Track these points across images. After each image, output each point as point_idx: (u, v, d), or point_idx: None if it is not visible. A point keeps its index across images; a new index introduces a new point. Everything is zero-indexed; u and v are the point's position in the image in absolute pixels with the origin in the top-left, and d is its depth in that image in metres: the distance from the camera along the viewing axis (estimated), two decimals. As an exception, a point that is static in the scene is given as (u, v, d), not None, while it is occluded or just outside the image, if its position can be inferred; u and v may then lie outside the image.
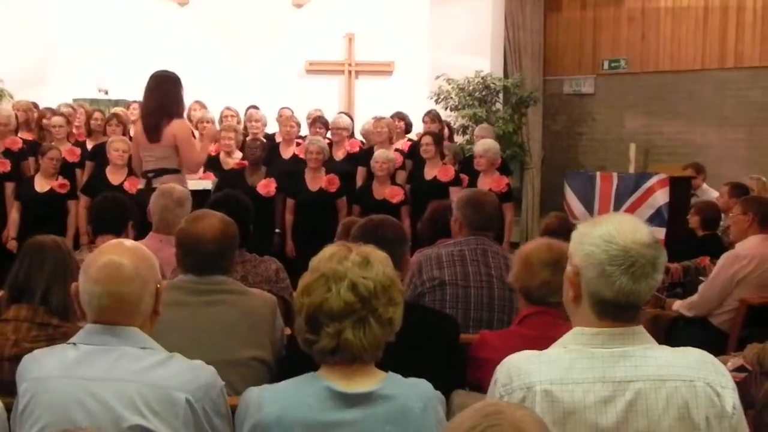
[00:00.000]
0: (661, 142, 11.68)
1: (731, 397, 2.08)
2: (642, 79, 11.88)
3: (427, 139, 8.04)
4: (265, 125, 9.05)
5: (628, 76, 12.00)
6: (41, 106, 9.46)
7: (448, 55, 11.75)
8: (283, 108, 9.74)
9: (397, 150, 8.52)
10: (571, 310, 2.23)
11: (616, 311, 2.12)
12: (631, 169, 9.12)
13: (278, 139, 8.91)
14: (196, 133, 8.09)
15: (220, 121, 9.25)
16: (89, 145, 8.60)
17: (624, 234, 2.10)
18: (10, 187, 7.89)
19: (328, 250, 2.31)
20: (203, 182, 7.56)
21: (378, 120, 8.68)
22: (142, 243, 4.00)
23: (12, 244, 7.58)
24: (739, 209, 5.66)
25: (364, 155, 8.37)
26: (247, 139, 8.43)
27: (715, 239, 6.63)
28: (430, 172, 7.92)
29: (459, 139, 10.93)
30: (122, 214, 4.65)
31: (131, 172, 7.52)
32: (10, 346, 2.96)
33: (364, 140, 9.25)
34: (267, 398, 2.22)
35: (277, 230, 7.90)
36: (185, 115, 7.06)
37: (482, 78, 11.42)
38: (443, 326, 3.29)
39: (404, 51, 12.02)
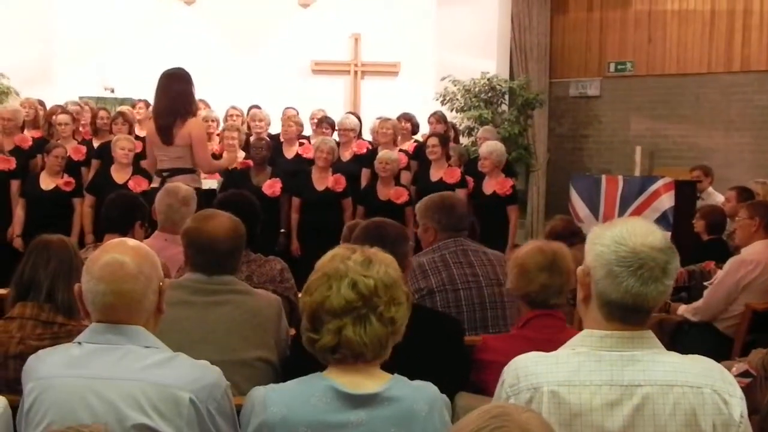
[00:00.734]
0: (666, 146, 11.66)
1: (739, 406, 2.08)
2: (648, 82, 11.87)
3: (434, 140, 8.03)
4: (268, 125, 9.04)
5: (635, 78, 11.99)
6: (47, 104, 9.47)
7: (454, 56, 11.75)
8: (287, 107, 9.74)
9: (402, 151, 8.51)
10: (582, 311, 2.23)
11: (623, 313, 2.11)
12: (637, 172, 9.12)
13: (281, 138, 8.90)
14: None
15: (225, 120, 9.24)
16: (95, 144, 8.60)
17: (635, 236, 2.09)
18: (15, 184, 7.88)
19: (332, 252, 2.33)
20: (208, 181, 7.56)
21: (383, 121, 8.68)
22: (147, 242, 4.03)
23: (17, 242, 7.59)
24: (746, 214, 5.65)
25: (369, 156, 8.36)
26: (252, 138, 8.43)
27: (721, 244, 6.62)
28: (435, 174, 7.91)
29: (464, 140, 10.92)
30: (129, 213, 4.63)
31: (136, 171, 7.53)
32: (15, 343, 2.95)
33: (371, 140, 9.22)
34: (272, 398, 2.22)
35: (282, 230, 7.90)
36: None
37: (488, 79, 11.42)
38: (447, 327, 3.29)
39: (410, 52, 12.03)
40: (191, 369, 2.35)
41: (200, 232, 3.23)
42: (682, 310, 5.60)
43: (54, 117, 8.67)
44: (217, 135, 8.71)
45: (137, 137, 8.35)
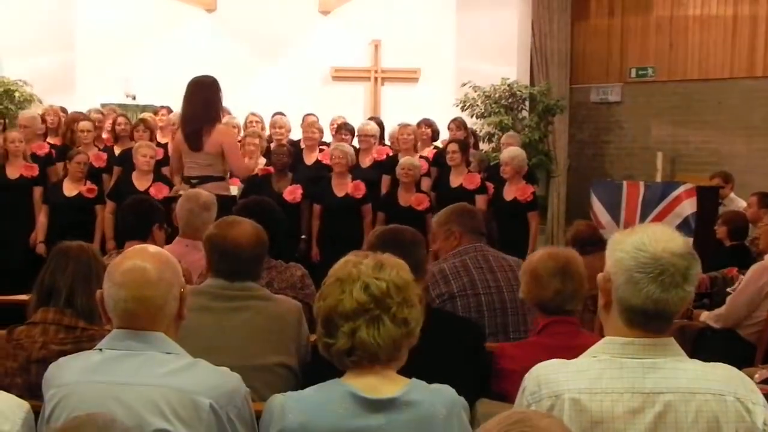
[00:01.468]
0: (688, 151, 11.58)
1: (762, 414, 2.06)
2: (669, 87, 11.79)
3: (454, 146, 8.03)
4: (289, 131, 9.08)
5: (656, 84, 11.92)
6: (69, 111, 9.53)
7: (474, 62, 11.74)
8: (307, 114, 9.76)
9: (422, 157, 8.51)
10: (604, 318, 2.21)
11: (644, 320, 2.10)
12: (658, 178, 9.08)
13: (302, 145, 8.92)
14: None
15: (245, 126, 9.28)
16: (117, 151, 8.65)
17: (656, 242, 2.08)
18: (38, 191, 7.94)
19: (344, 258, 2.35)
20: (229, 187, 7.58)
21: (403, 127, 8.69)
22: (168, 248, 4.05)
23: (40, 248, 7.64)
24: (768, 219, 5.61)
25: (389, 163, 8.36)
26: (272, 145, 8.46)
27: (743, 249, 6.58)
28: (455, 180, 7.91)
29: (484, 146, 10.90)
30: (145, 218, 4.62)
31: (157, 178, 7.57)
32: (38, 348, 2.97)
33: (391, 146, 9.22)
34: (291, 405, 2.22)
35: (303, 236, 7.91)
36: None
37: (508, 85, 11.40)
38: (468, 332, 3.30)
39: (430, 58, 12.02)
40: (212, 375, 2.36)
41: (224, 239, 3.26)
42: (705, 316, 5.57)
43: (76, 124, 8.73)
44: (239, 141, 8.74)
45: (159, 144, 8.40)
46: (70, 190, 7.81)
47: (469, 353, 3.16)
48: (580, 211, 9.93)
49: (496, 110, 11.27)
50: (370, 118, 9.73)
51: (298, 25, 12.15)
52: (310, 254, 7.76)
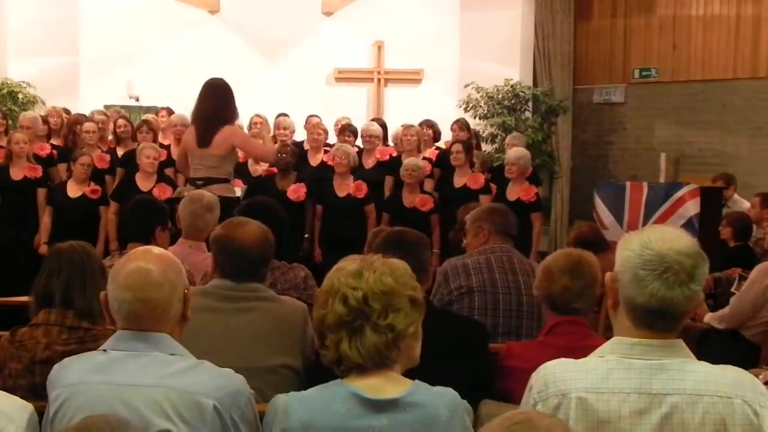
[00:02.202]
0: (692, 152, 11.56)
1: None
2: (673, 88, 11.77)
3: (458, 146, 8.03)
4: (293, 132, 9.08)
5: (659, 85, 11.90)
6: (73, 113, 9.54)
7: (477, 63, 11.73)
8: (311, 115, 9.76)
9: (425, 158, 8.51)
10: (612, 318, 2.22)
11: (650, 319, 2.10)
12: (662, 179, 9.06)
13: (306, 146, 8.93)
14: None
15: (249, 127, 9.28)
16: (119, 152, 8.66)
17: (662, 241, 2.08)
18: (42, 192, 7.94)
19: (337, 264, 2.35)
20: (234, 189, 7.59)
21: (407, 128, 8.69)
22: (171, 249, 4.05)
23: (44, 249, 7.63)
24: (772, 220, 5.61)
25: (392, 164, 8.36)
26: (276, 146, 8.46)
27: (747, 250, 6.58)
28: (459, 180, 7.90)
29: (487, 147, 10.89)
30: (147, 221, 4.60)
31: (161, 179, 7.58)
32: (42, 349, 2.98)
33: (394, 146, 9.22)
34: (294, 405, 2.22)
35: (306, 235, 7.92)
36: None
37: (511, 86, 11.38)
38: (472, 333, 3.30)
39: (433, 59, 12.01)
40: (215, 376, 2.36)
41: (231, 239, 3.26)
42: (708, 317, 5.56)
43: (77, 126, 8.74)
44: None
45: (162, 145, 8.41)
46: (74, 191, 7.81)
47: (472, 353, 3.16)
48: (583, 212, 9.93)
49: (499, 111, 11.25)
50: (373, 119, 9.73)
51: (301, 27, 12.14)
52: (313, 254, 7.76)
